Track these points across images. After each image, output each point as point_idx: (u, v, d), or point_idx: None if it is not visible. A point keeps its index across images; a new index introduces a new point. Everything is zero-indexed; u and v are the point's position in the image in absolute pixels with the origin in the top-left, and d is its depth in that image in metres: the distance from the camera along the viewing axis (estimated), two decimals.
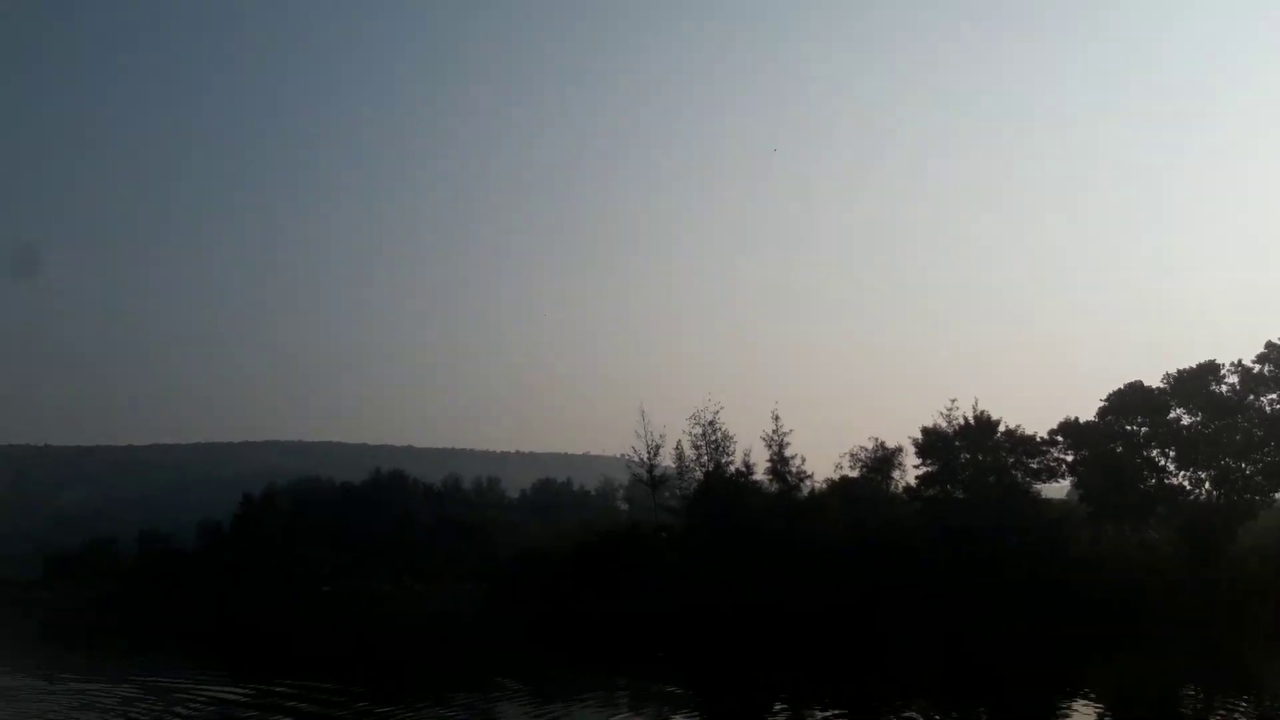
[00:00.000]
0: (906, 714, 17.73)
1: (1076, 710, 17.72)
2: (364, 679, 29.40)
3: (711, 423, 68.52)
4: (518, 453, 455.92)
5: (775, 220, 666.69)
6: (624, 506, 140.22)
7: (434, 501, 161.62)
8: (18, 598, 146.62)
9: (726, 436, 68.46)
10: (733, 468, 67.50)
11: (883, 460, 62.32)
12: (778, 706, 18.68)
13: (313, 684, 26.55)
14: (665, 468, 74.14)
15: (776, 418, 66.24)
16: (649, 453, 72.40)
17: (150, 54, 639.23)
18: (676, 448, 71.22)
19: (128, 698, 21.61)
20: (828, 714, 17.57)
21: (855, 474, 62.88)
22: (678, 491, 72.98)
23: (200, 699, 22.02)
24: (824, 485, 66.15)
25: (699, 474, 69.13)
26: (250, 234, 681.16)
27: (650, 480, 74.43)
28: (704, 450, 68.76)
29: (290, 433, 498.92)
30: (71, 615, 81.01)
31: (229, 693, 24.47)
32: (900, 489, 62.03)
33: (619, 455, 76.28)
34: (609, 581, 68.53)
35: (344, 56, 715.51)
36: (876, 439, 62.99)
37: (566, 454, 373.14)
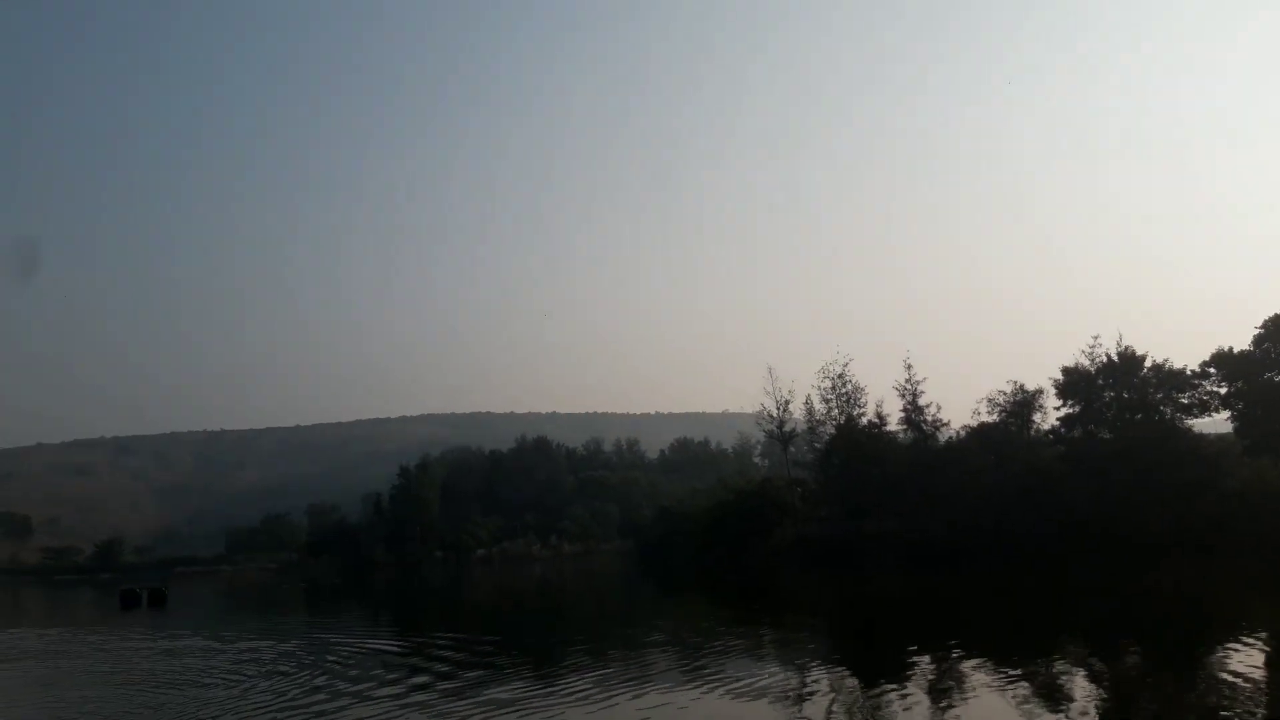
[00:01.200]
0: (1055, 659, 17.30)
1: (1241, 649, 16.93)
2: (515, 632, 30.92)
3: (841, 375, 67.44)
4: (657, 414, 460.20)
5: (901, 170, 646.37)
6: (763, 463, 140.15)
7: (576, 465, 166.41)
8: (203, 571, 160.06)
9: (857, 388, 67.26)
10: (865, 419, 66.38)
11: (1022, 404, 60.07)
12: (914, 656, 18.51)
13: (465, 636, 28.32)
14: (797, 421, 73.77)
15: (909, 366, 64.58)
16: (778, 409, 72.13)
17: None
18: (806, 402, 70.61)
19: (287, 651, 23.65)
20: (972, 658, 17.41)
21: (994, 419, 61.08)
22: (816, 446, 72.29)
23: (351, 650, 23.90)
24: (961, 432, 64.69)
25: (830, 428, 68.49)
26: (380, 224, 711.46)
27: (781, 436, 74.18)
28: (834, 403, 67.82)
29: (444, 406, 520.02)
30: (251, 584, 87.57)
31: (382, 645, 26.37)
32: (1042, 432, 59.93)
33: (753, 412, 76.22)
34: (744, 537, 69.21)
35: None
36: (1015, 382, 60.80)
37: (705, 413, 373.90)
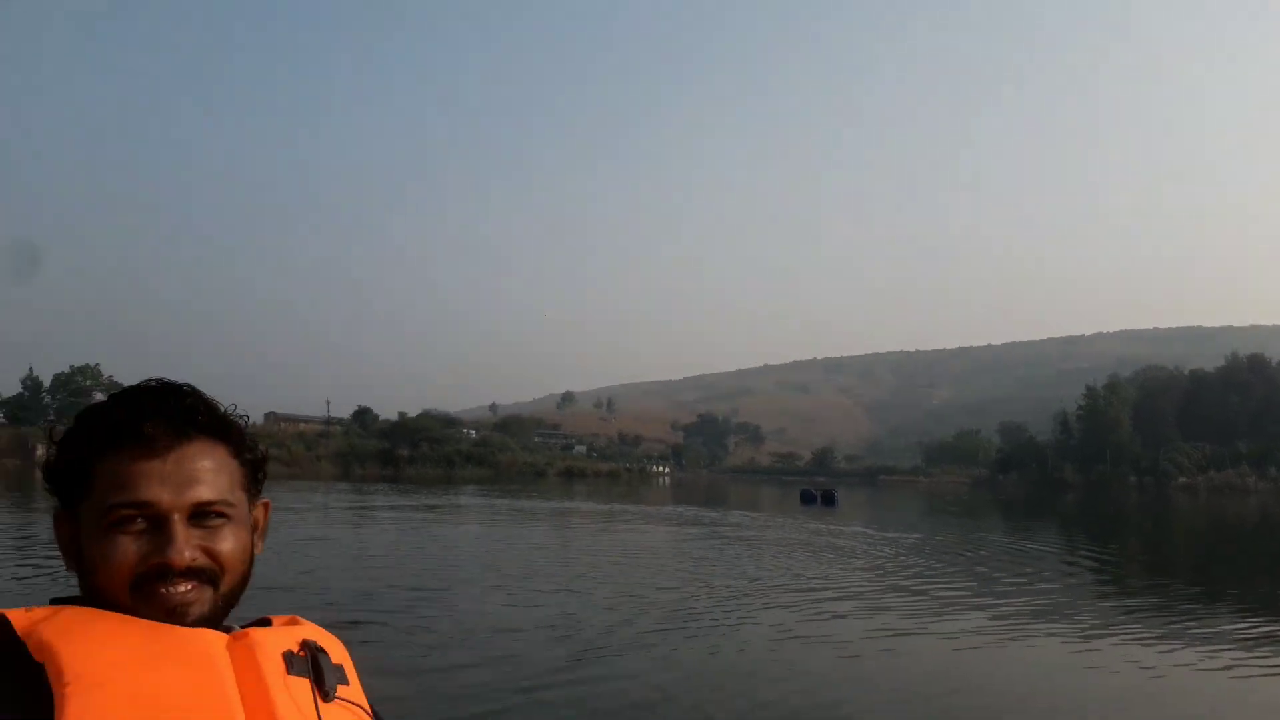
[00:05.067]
0: None
1: None
2: (1234, 571, 24.33)
3: None
4: None
5: None
6: None
7: None
8: (901, 480, 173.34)
9: None
10: None
11: None
12: None
13: (1151, 559, 27.23)
14: None
15: None
16: None
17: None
18: None
19: (934, 543, 26.68)
20: None
21: None
22: None
23: (1003, 548, 25.37)
24: None
25: None
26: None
27: None
28: None
29: (1142, 320, 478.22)
30: (942, 494, 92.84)
31: (1038, 547, 26.56)
32: None
33: None
34: None
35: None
36: None
37: None
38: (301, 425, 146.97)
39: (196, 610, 1.09)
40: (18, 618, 1.02)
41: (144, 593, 1.07)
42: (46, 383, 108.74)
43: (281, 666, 1.10)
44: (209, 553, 1.11)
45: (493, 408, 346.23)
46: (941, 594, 15.68)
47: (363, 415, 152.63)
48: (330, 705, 1.12)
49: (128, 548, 1.08)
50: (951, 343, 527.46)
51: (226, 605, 1.15)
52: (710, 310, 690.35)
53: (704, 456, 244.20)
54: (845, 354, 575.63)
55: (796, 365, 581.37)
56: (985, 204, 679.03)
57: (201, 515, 1.12)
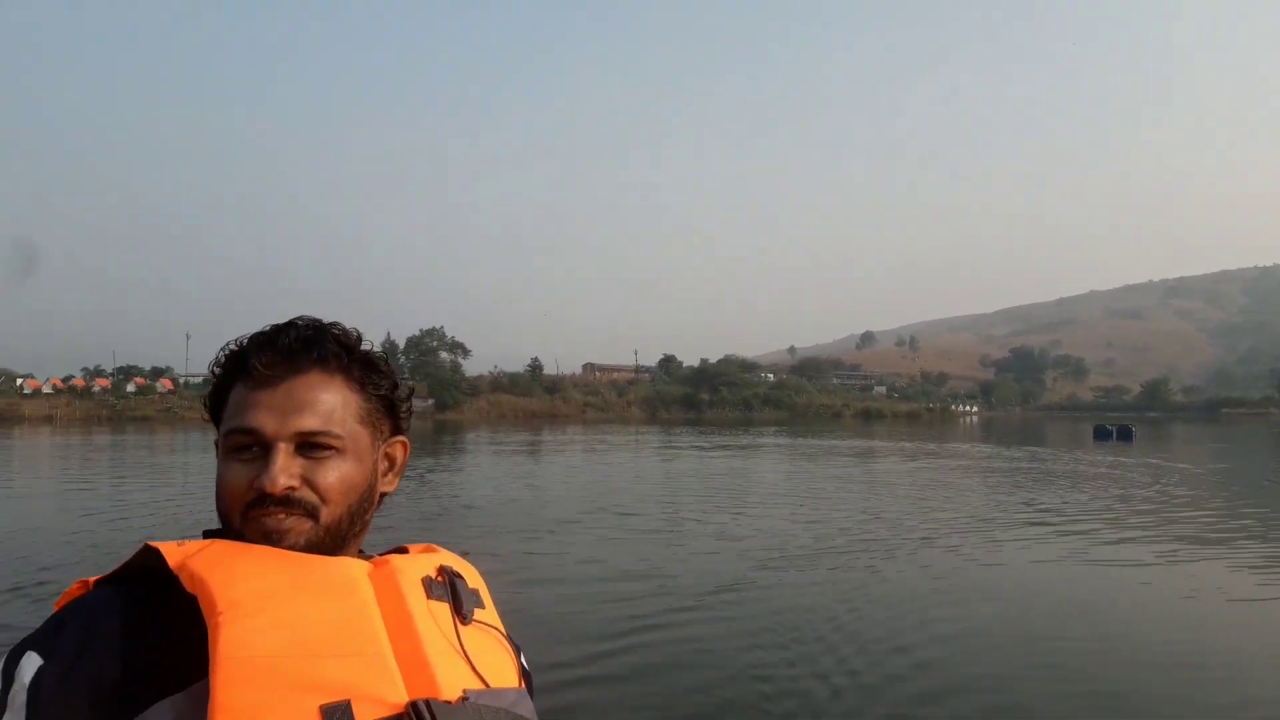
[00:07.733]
0: None
1: None
2: None
3: None
4: None
5: None
6: None
7: None
8: (1249, 414, 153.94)
9: None
10: None
11: None
12: None
13: None
14: None
15: None
16: None
17: None
18: None
19: (1198, 476, 25.35)
20: None
21: None
22: None
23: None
24: None
25: None
26: None
27: None
28: None
29: None
30: None
31: None
32: None
33: None
34: None
35: None
36: None
37: None
38: (614, 374, 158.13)
39: (291, 539, 1.09)
40: (170, 551, 1.04)
41: (249, 518, 1.10)
42: (401, 345, 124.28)
43: (422, 591, 1.12)
44: (310, 483, 1.11)
45: (791, 350, 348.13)
46: (1193, 525, 15.25)
47: (668, 363, 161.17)
48: (468, 627, 1.13)
49: (239, 474, 1.11)
50: None
51: (332, 537, 1.13)
52: (1030, 234, 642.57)
53: (1016, 393, 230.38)
54: (1187, 273, 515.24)
55: (1128, 289, 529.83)
56: None
57: (310, 447, 1.11)
